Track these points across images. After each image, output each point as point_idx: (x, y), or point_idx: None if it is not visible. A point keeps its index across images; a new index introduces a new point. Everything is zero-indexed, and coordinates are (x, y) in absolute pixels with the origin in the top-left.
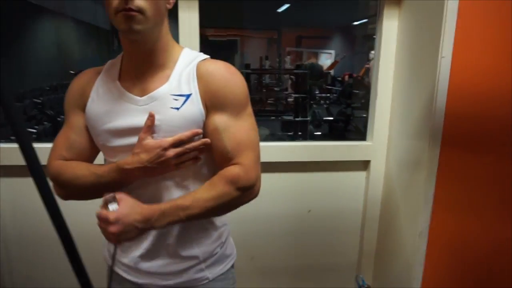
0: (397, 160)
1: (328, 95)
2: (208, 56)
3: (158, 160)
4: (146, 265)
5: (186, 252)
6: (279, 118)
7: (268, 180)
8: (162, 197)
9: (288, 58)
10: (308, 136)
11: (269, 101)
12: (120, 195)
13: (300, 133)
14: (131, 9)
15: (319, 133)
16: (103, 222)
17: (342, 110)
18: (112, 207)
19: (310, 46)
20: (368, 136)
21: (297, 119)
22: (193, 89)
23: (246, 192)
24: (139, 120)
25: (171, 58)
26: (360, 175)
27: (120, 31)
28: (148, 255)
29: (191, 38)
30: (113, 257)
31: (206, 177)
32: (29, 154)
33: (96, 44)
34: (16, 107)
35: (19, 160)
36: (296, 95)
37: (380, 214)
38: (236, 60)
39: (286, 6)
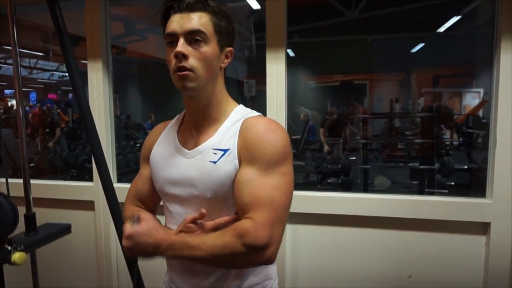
0: None
1: (465, 140)
2: (258, 114)
3: None
4: None
5: None
6: (409, 165)
7: (363, 236)
8: None
9: (421, 100)
10: (435, 186)
11: (400, 146)
12: (144, 216)
13: (426, 182)
14: (184, 68)
15: (452, 183)
16: (123, 234)
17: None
18: (133, 225)
19: (451, 86)
20: (488, 192)
21: (422, 167)
22: (232, 144)
23: (253, 251)
24: (186, 172)
25: (224, 113)
26: (478, 240)
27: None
28: None
29: (278, 88)
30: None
31: None
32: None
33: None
34: (102, 151)
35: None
36: (420, 140)
37: None
38: (365, 104)
39: (420, 45)
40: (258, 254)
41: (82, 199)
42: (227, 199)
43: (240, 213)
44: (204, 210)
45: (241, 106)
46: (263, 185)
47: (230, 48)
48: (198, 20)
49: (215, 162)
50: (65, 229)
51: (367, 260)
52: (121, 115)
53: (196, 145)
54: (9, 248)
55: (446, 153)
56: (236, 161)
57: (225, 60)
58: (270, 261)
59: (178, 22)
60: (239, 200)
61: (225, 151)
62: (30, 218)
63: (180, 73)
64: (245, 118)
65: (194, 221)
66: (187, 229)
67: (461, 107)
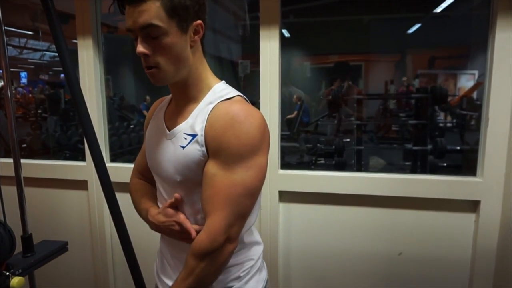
0: None
1: (458, 121)
2: (234, 95)
3: (168, 227)
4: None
5: None
6: (402, 146)
7: (355, 215)
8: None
9: (416, 82)
10: (428, 167)
11: (394, 128)
12: None
13: (419, 163)
14: (150, 66)
15: (444, 164)
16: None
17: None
18: None
19: (447, 67)
20: (478, 171)
21: (415, 148)
22: (200, 130)
23: (211, 256)
24: (162, 153)
25: (202, 92)
26: (467, 217)
27: None
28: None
29: (271, 66)
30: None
31: None
32: (102, 171)
33: (221, 73)
34: (94, 131)
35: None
36: (413, 122)
37: (495, 270)
38: (360, 85)
39: (417, 26)
40: (215, 255)
41: (75, 178)
42: (199, 184)
43: (202, 207)
44: (177, 195)
45: (221, 83)
46: (224, 181)
47: (198, 22)
48: (147, 12)
49: (183, 147)
50: (62, 248)
51: (359, 238)
52: (115, 96)
53: (174, 126)
54: (7, 273)
55: (439, 134)
56: (204, 149)
57: (195, 37)
58: (233, 247)
59: (132, 17)
60: (201, 194)
61: (194, 136)
62: (27, 240)
63: (148, 70)
64: (218, 101)
65: (171, 206)
66: (165, 214)
67: (455, 89)
